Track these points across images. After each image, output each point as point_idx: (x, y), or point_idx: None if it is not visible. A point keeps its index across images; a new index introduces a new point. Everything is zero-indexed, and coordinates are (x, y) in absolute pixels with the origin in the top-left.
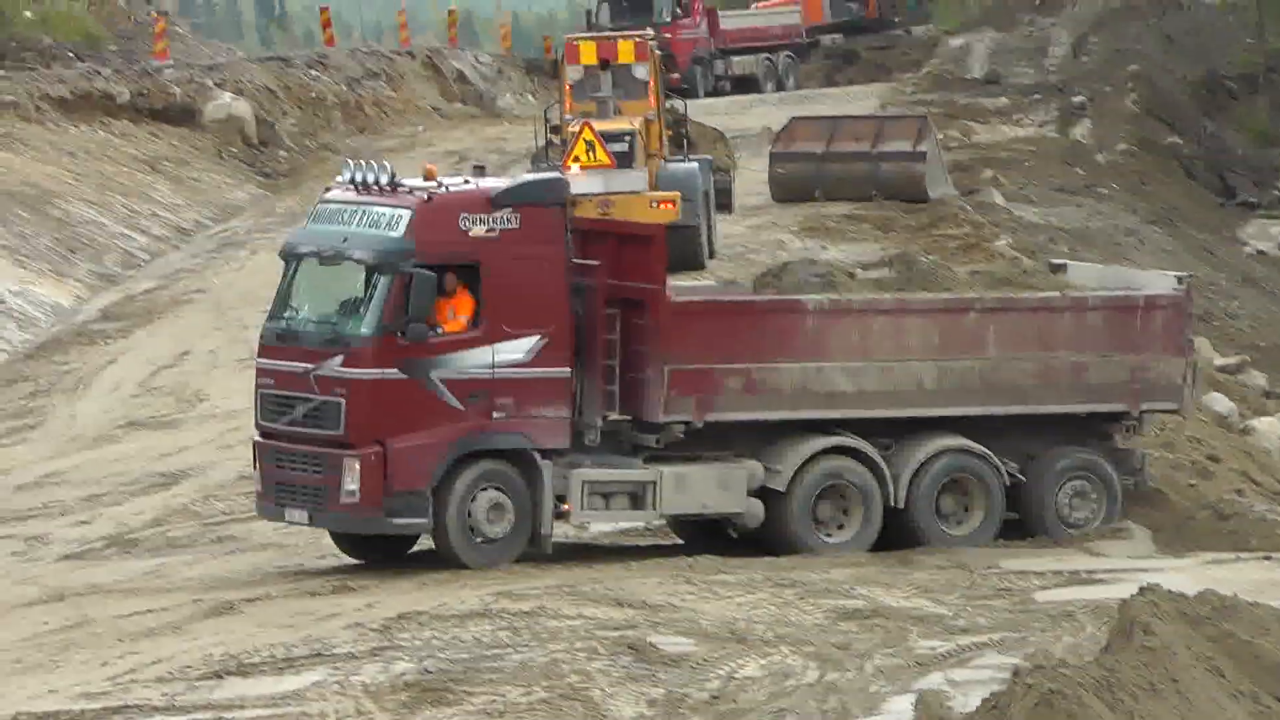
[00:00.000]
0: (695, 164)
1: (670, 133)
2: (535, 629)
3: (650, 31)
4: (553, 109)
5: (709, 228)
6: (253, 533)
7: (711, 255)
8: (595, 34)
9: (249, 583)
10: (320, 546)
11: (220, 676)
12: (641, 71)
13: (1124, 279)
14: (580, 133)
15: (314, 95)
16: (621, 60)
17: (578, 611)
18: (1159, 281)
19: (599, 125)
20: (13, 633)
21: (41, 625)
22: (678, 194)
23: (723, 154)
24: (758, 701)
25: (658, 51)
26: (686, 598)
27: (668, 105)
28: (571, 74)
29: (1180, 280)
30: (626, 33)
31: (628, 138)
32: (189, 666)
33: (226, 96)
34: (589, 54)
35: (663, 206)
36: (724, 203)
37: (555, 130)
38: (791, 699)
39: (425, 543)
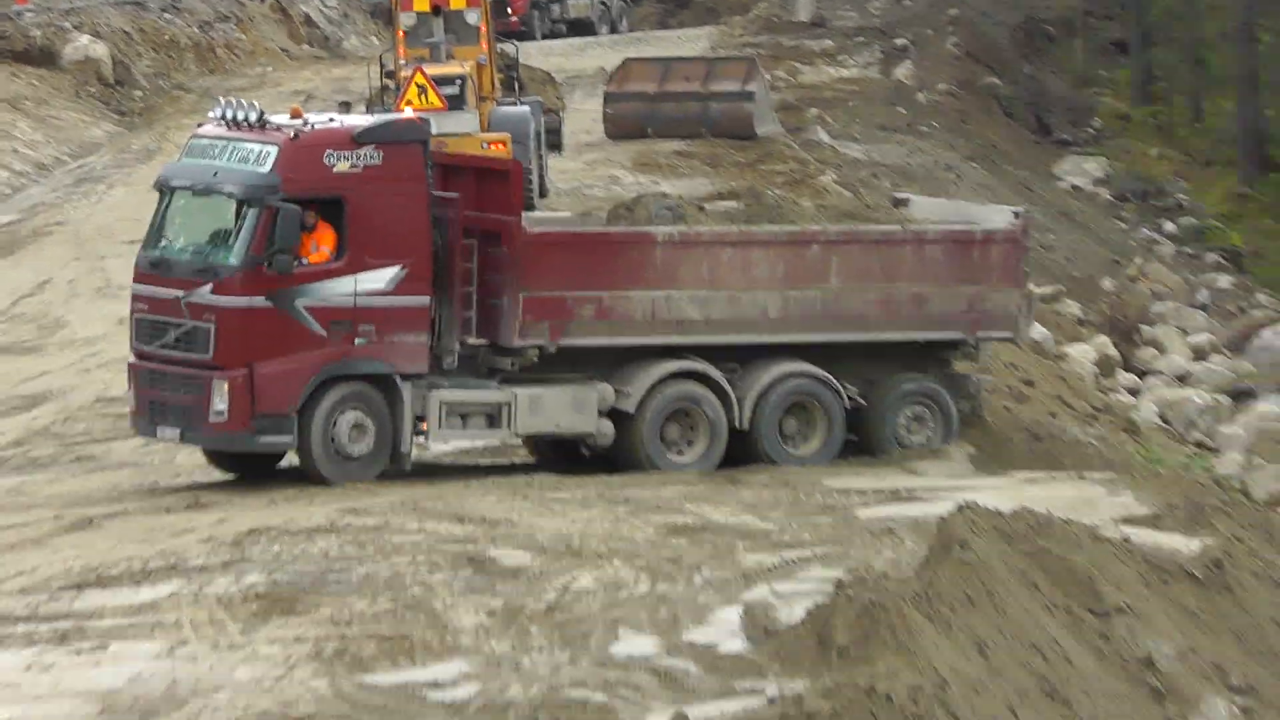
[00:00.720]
0: (526, 107)
1: (502, 76)
2: (380, 543)
3: None
4: (388, 54)
5: (540, 167)
6: (110, 452)
7: (543, 194)
8: None
9: (107, 499)
10: (175, 466)
11: (80, 588)
12: (473, 17)
13: (963, 213)
14: (412, 77)
15: (168, 38)
16: (454, 7)
17: (420, 526)
18: (996, 216)
19: (431, 70)
20: None
21: None
22: (508, 135)
23: (552, 95)
24: (592, 611)
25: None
26: (524, 514)
27: (499, 49)
28: (405, 20)
29: (1017, 215)
30: None
31: (459, 81)
32: (51, 578)
33: (84, 39)
34: (422, 1)
35: (494, 148)
36: (554, 142)
37: (390, 75)
38: (624, 609)
39: (291, 459)
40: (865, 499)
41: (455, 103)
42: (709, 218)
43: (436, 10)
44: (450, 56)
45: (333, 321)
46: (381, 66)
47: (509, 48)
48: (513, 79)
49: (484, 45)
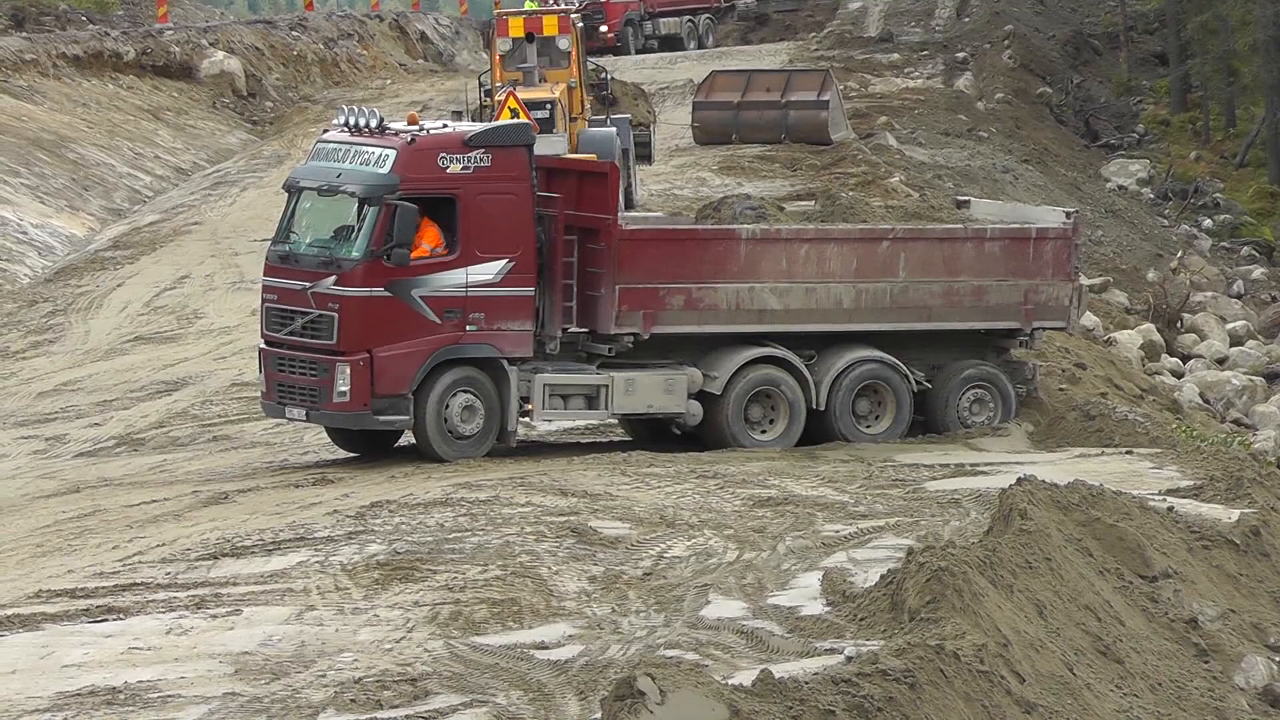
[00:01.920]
0: (613, 128)
1: (592, 99)
2: (490, 515)
3: (575, 5)
4: (486, 75)
5: (629, 181)
6: (244, 432)
7: (629, 206)
8: (523, 10)
9: (241, 476)
10: (303, 444)
11: (216, 558)
12: (564, 43)
13: (1020, 214)
14: (505, 101)
15: (295, 53)
16: (546, 33)
17: (527, 500)
18: (1050, 216)
19: (523, 94)
20: (35, 520)
21: (60, 514)
22: (593, 156)
23: (643, 110)
24: (684, 578)
25: (580, 25)
26: (622, 487)
27: (593, 67)
28: (501, 45)
29: (1069, 215)
30: (552, 8)
31: (549, 106)
32: (189, 549)
33: (219, 54)
34: (516, 27)
35: None
36: (643, 154)
37: (489, 94)
38: (714, 575)
39: (408, 438)
40: (933, 473)
41: (545, 126)
42: (788, 216)
43: (530, 36)
44: (542, 80)
45: (446, 310)
46: (480, 86)
47: (602, 68)
48: (604, 97)
49: (574, 69)
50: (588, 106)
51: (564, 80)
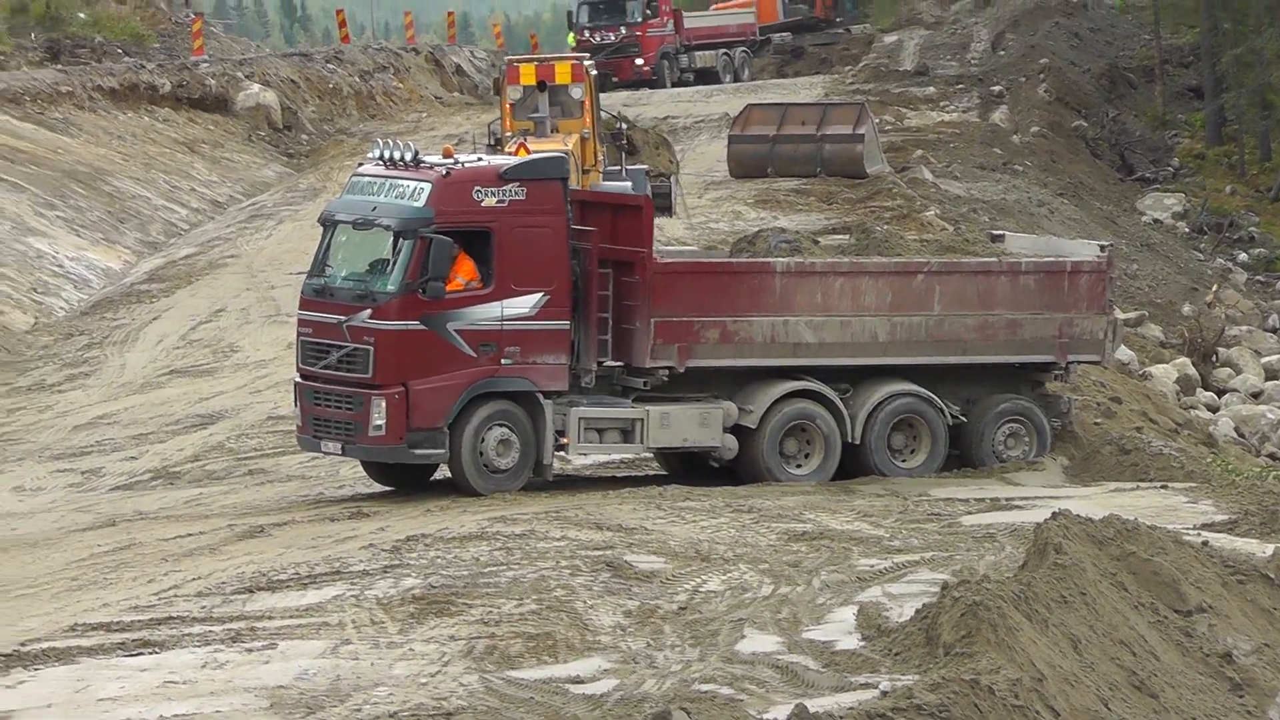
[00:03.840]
0: (629, 181)
1: (606, 149)
2: (526, 549)
3: (588, 56)
4: (496, 123)
5: None
6: (280, 466)
7: None
8: (533, 56)
9: (277, 509)
10: (339, 478)
11: (251, 591)
12: (578, 92)
13: (1054, 247)
14: (515, 152)
15: (331, 86)
16: (559, 81)
17: (563, 534)
18: (1084, 250)
19: (534, 145)
20: (71, 554)
21: (96, 547)
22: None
23: (665, 159)
24: (720, 612)
25: (594, 73)
26: (657, 521)
27: (610, 116)
28: (512, 93)
29: (1103, 249)
30: (563, 55)
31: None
32: (224, 583)
33: (255, 87)
34: (528, 75)
35: None
36: (663, 205)
37: (497, 143)
38: (749, 610)
39: (444, 472)
40: (968, 507)
41: None
42: (823, 250)
43: (542, 85)
44: (555, 130)
45: (481, 343)
46: (490, 134)
47: (619, 115)
48: (620, 148)
49: (588, 119)
50: (602, 158)
51: (577, 131)
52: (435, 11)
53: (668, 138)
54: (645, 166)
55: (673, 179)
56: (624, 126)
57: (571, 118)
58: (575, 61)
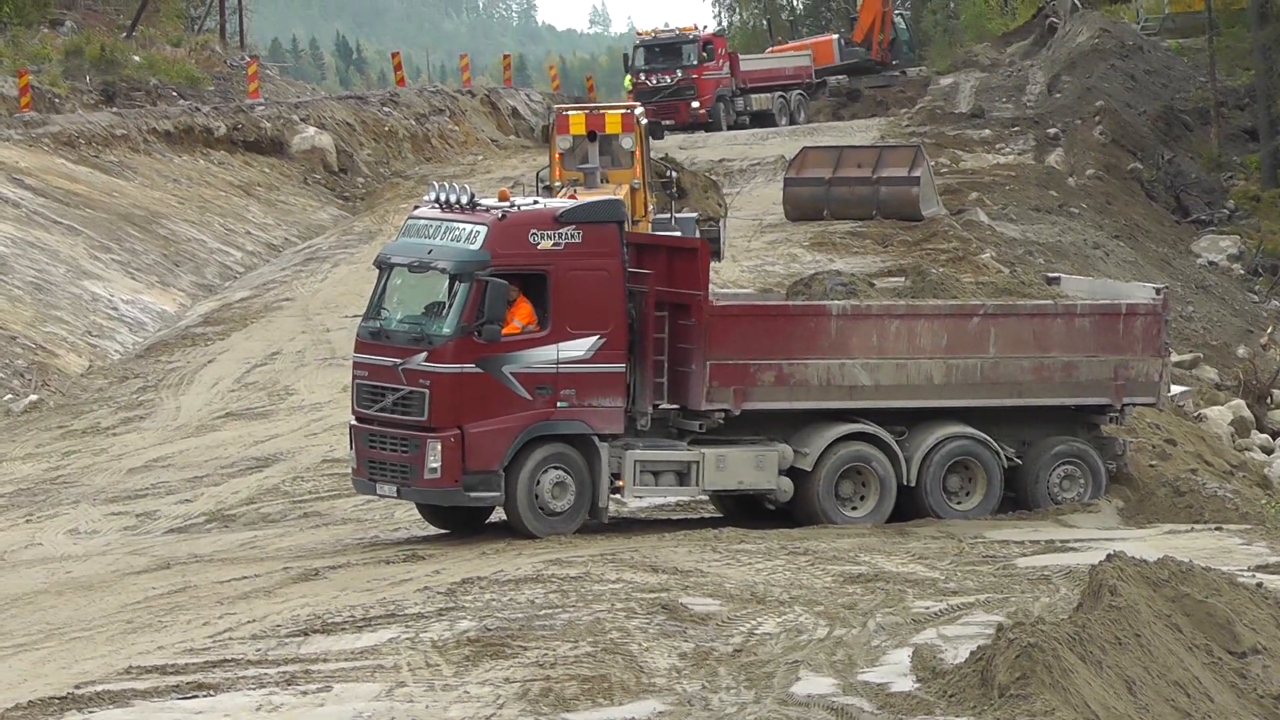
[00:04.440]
0: (678, 231)
1: (656, 197)
2: (581, 591)
3: (639, 106)
4: (545, 172)
5: None
6: (335, 509)
7: None
8: (583, 105)
9: (332, 552)
10: (394, 520)
11: (307, 634)
12: (628, 142)
13: (1110, 290)
14: None
15: (387, 129)
16: (609, 131)
17: (618, 576)
18: (1139, 292)
19: (584, 195)
20: (125, 597)
21: (150, 590)
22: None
23: (714, 203)
24: (775, 654)
25: (644, 122)
26: (713, 564)
27: (660, 158)
28: (562, 143)
29: (1158, 291)
30: (613, 105)
31: None
32: (279, 625)
33: (311, 130)
34: (578, 125)
35: None
36: (712, 250)
37: (549, 190)
38: (804, 652)
39: (499, 514)
40: (1023, 549)
41: None
42: (879, 293)
43: (592, 135)
44: (605, 180)
45: (537, 386)
46: (539, 181)
47: (671, 164)
48: (669, 196)
49: (638, 169)
50: (651, 208)
51: (627, 181)
52: (491, 54)
53: (716, 179)
54: (695, 214)
55: (721, 222)
56: (672, 173)
57: (621, 168)
58: (625, 111)
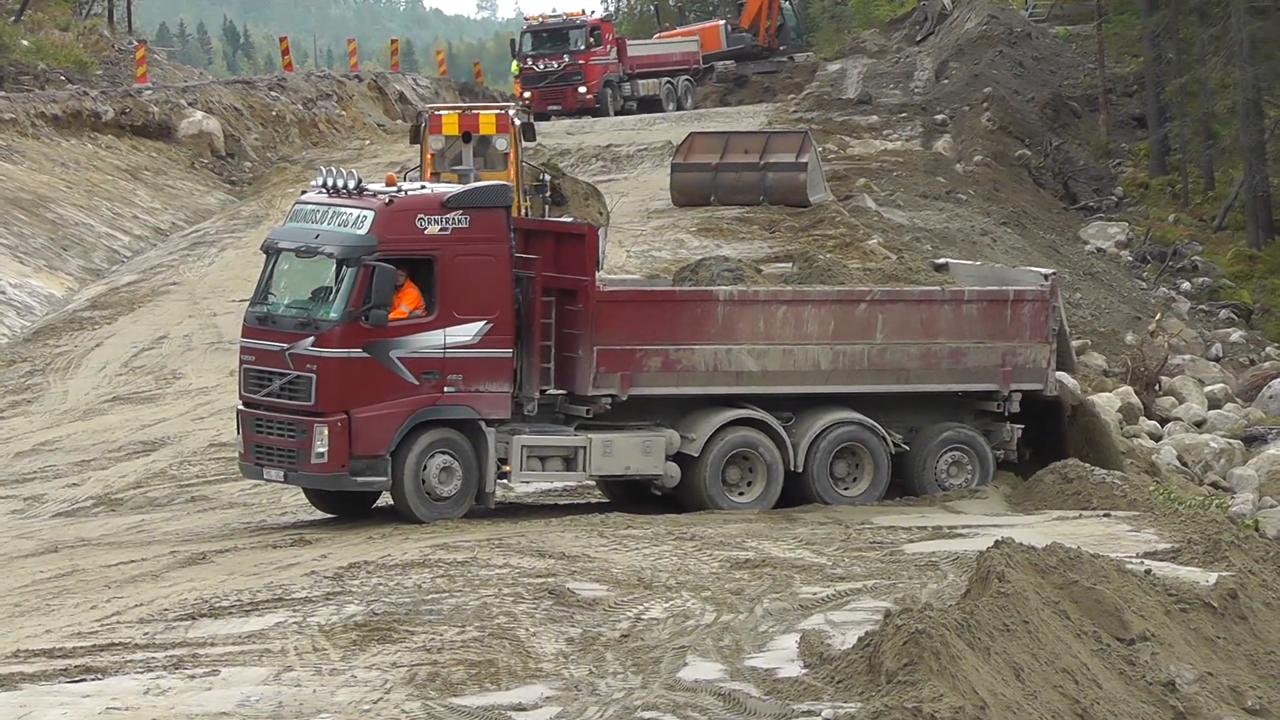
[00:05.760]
0: None
1: (530, 202)
2: (468, 576)
3: (512, 104)
4: (414, 173)
5: None
6: (222, 493)
7: None
8: (456, 106)
9: (219, 536)
10: (281, 505)
11: (194, 618)
12: (502, 143)
13: (998, 276)
14: None
15: (274, 113)
16: (483, 132)
17: (505, 561)
18: (1027, 278)
19: None
20: (13, 580)
21: (38, 574)
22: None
23: (595, 211)
24: (662, 639)
25: (517, 122)
26: (600, 549)
27: (537, 165)
28: (434, 143)
29: (1046, 277)
30: (488, 105)
31: None
32: (167, 609)
33: (198, 114)
34: (451, 125)
35: None
36: None
37: None
38: (691, 637)
39: (386, 499)
40: (910, 536)
41: None
42: (766, 278)
43: (467, 136)
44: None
45: (424, 371)
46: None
47: (547, 167)
48: (544, 201)
49: (512, 171)
50: (526, 211)
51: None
52: (378, 39)
53: (599, 189)
54: (571, 219)
55: (602, 232)
56: (548, 178)
57: (496, 169)
58: (500, 111)
